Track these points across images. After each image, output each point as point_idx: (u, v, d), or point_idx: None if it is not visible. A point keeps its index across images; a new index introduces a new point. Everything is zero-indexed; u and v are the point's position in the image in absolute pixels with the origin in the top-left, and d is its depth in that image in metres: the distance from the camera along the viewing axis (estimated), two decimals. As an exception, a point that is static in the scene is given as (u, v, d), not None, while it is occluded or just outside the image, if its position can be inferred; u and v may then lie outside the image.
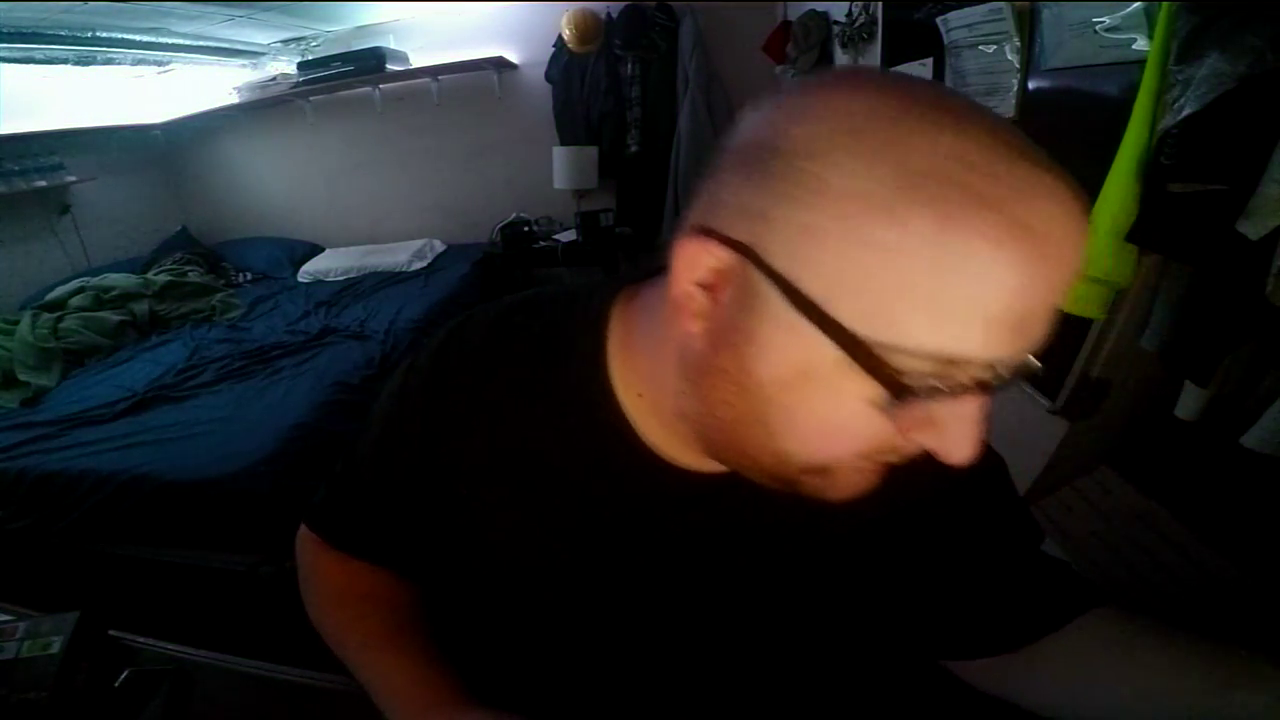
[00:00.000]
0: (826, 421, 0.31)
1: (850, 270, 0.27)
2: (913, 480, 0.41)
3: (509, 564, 0.47)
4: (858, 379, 0.28)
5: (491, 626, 0.52)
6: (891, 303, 0.27)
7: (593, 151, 2.87)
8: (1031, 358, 0.30)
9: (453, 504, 0.47)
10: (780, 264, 0.28)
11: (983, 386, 0.28)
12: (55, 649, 0.60)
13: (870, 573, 0.46)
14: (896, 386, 0.28)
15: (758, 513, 0.43)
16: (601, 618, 0.47)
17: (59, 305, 2.48)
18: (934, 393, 0.28)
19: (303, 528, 0.57)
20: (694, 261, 0.31)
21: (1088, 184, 0.93)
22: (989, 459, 0.47)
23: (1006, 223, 0.25)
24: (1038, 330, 0.28)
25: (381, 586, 0.54)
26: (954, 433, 0.30)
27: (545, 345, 0.46)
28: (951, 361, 0.27)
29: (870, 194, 0.26)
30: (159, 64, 2.74)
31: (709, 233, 0.30)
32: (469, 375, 0.47)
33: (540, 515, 0.45)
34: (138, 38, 2.27)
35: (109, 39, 2.19)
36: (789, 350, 0.29)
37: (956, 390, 0.28)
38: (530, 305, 0.48)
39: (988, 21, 1.16)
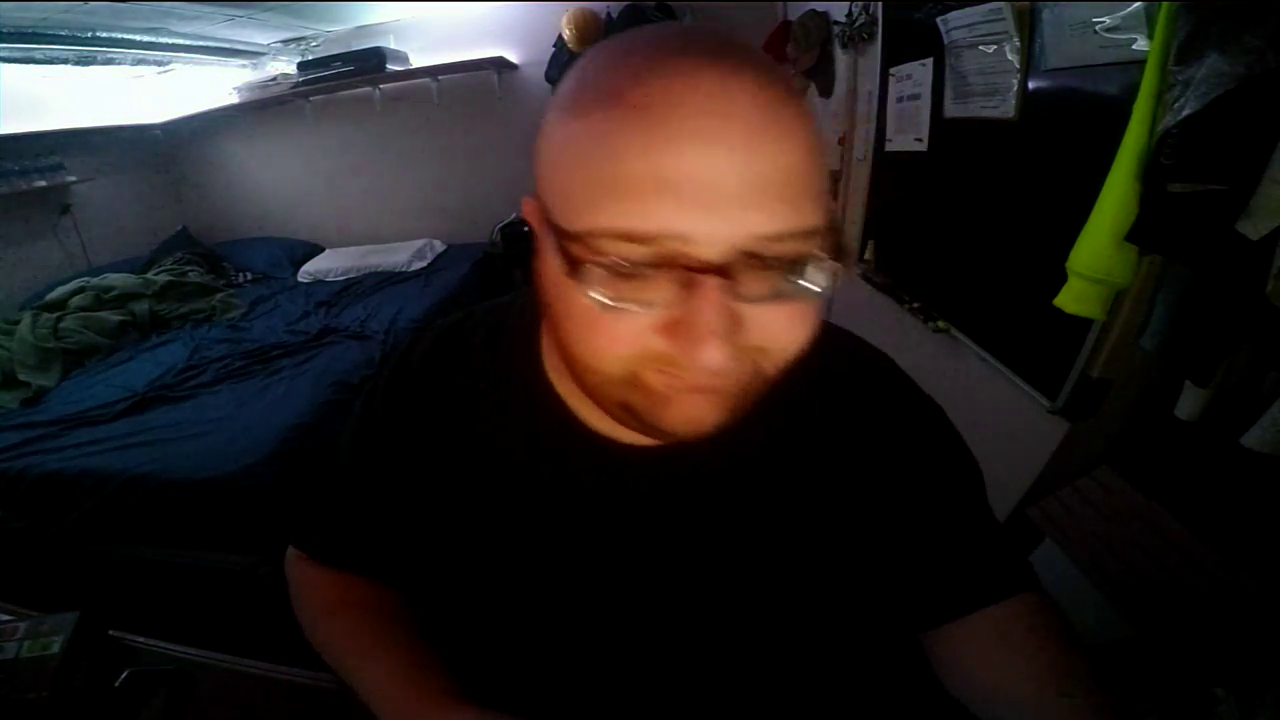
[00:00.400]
0: (580, 323, 0.33)
1: (550, 174, 0.33)
2: (846, 438, 0.44)
3: (474, 557, 0.49)
4: (574, 274, 0.31)
5: (472, 623, 0.52)
6: (575, 195, 0.31)
7: (593, 151, 2.87)
8: (766, 237, 0.30)
9: (422, 507, 0.50)
10: (541, 192, 0.34)
11: (672, 263, 0.30)
12: (55, 649, 0.60)
13: (813, 538, 0.46)
14: (586, 269, 0.31)
15: (697, 481, 0.45)
16: (566, 601, 0.48)
17: (59, 305, 2.48)
18: (630, 276, 0.30)
19: (290, 548, 0.60)
20: (528, 216, 0.36)
21: (1088, 184, 0.93)
22: (926, 413, 0.49)
23: (623, 107, 0.30)
24: (700, 192, 0.29)
25: (369, 596, 0.55)
26: (684, 330, 0.31)
27: (489, 345, 0.49)
28: (631, 237, 0.30)
29: (558, 108, 0.33)
30: (159, 64, 2.74)
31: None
32: (423, 383, 0.50)
33: (493, 505, 0.48)
34: (138, 38, 2.27)
35: (109, 39, 2.19)
36: (549, 262, 0.33)
37: (649, 266, 0.30)
38: (477, 314, 0.53)
39: (988, 21, 1.15)
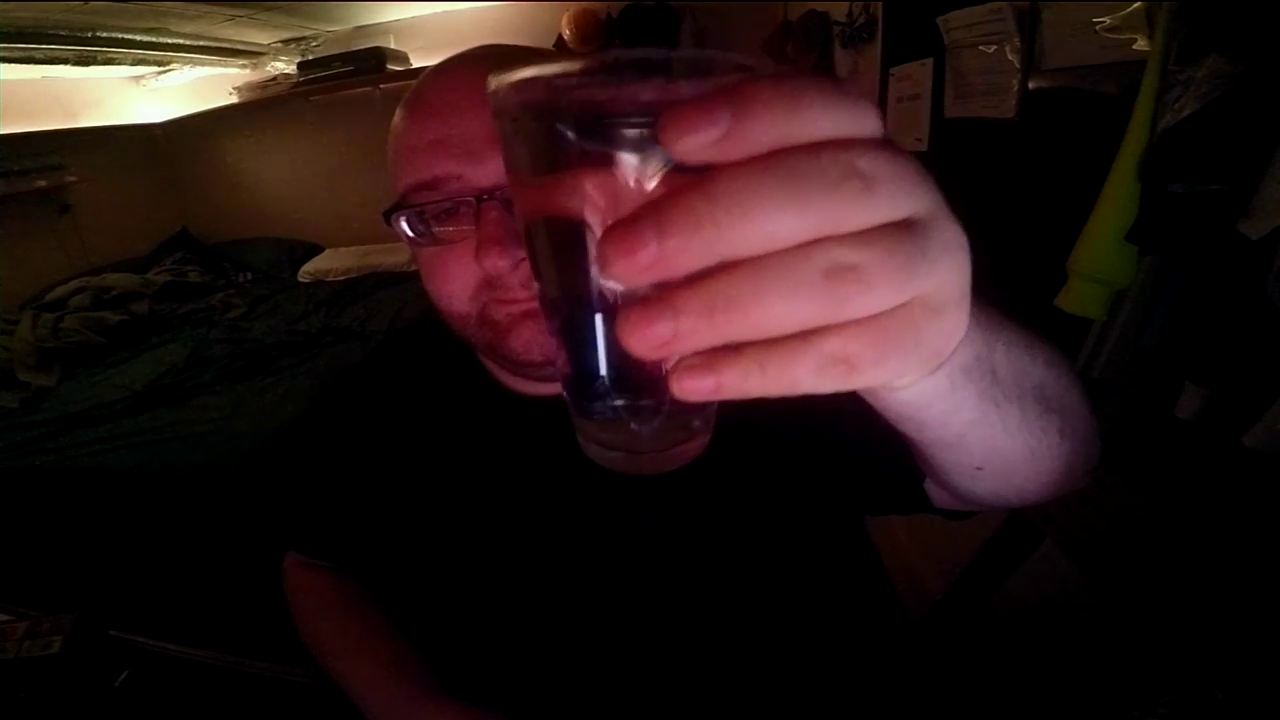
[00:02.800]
0: (429, 273, 0.45)
1: (389, 161, 0.45)
2: None
3: (430, 540, 0.51)
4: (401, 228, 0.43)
5: (440, 610, 0.53)
6: (395, 169, 0.44)
7: (593, 151, 2.88)
8: None
9: (383, 495, 0.53)
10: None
11: (459, 196, 0.40)
12: (55, 649, 0.60)
13: (763, 457, 0.47)
14: (407, 220, 0.42)
15: None
16: (508, 570, 0.49)
17: (59, 305, 2.47)
18: (440, 217, 0.42)
19: (285, 559, 0.61)
20: None
21: (1088, 184, 0.93)
22: None
23: (411, 100, 0.44)
24: (460, 142, 0.41)
25: (358, 596, 0.57)
26: (478, 246, 0.39)
27: (434, 335, 0.55)
28: (422, 185, 0.41)
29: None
30: (159, 64, 2.74)
31: None
32: (383, 372, 0.57)
33: (439, 484, 0.51)
34: (138, 38, 2.26)
35: (109, 39, 2.18)
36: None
37: (442, 208, 0.41)
38: (432, 312, 0.60)
39: (988, 21, 1.15)
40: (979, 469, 0.33)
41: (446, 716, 0.45)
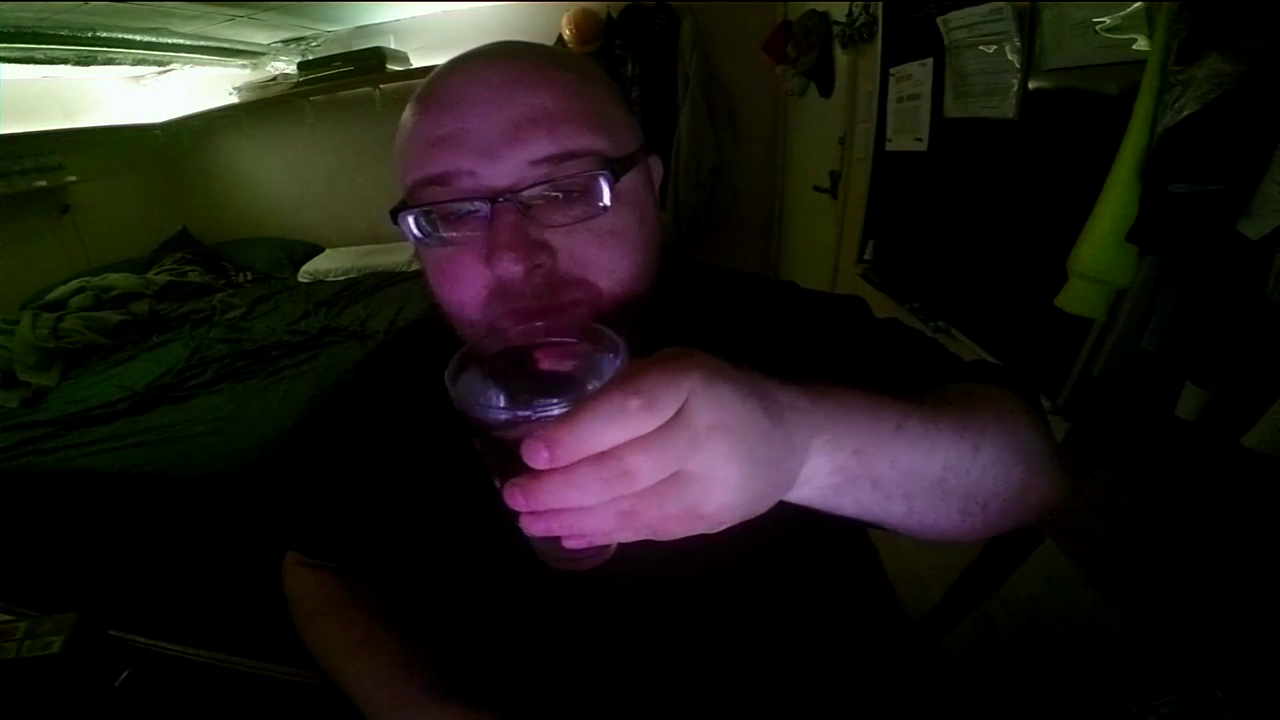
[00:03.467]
0: (436, 274, 0.42)
1: (399, 155, 0.43)
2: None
3: (429, 540, 0.51)
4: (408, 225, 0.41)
5: (440, 610, 0.53)
6: (403, 164, 0.42)
7: (593, 151, 2.87)
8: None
9: (384, 496, 0.53)
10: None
11: (470, 196, 0.39)
12: (55, 649, 0.60)
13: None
14: (414, 219, 0.40)
15: None
16: (506, 577, 0.48)
17: (59, 305, 2.47)
18: (450, 219, 0.40)
19: (285, 559, 0.61)
20: None
21: (1088, 184, 0.93)
22: (844, 301, 0.51)
23: (421, 97, 0.42)
24: (472, 137, 0.39)
25: (359, 596, 0.56)
26: (488, 250, 0.38)
27: (434, 336, 0.54)
28: (431, 180, 0.39)
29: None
30: (159, 64, 2.74)
31: None
32: (383, 371, 0.57)
33: (435, 485, 0.50)
34: (138, 38, 2.26)
35: (109, 39, 2.18)
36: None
37: (451, 208, 0.39)
38: (431, 313, 0.59)
39: (988, 21, 1.15)
40: (897, 529, 0.37)
41: (448, 717, 0.45)
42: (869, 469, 0.32)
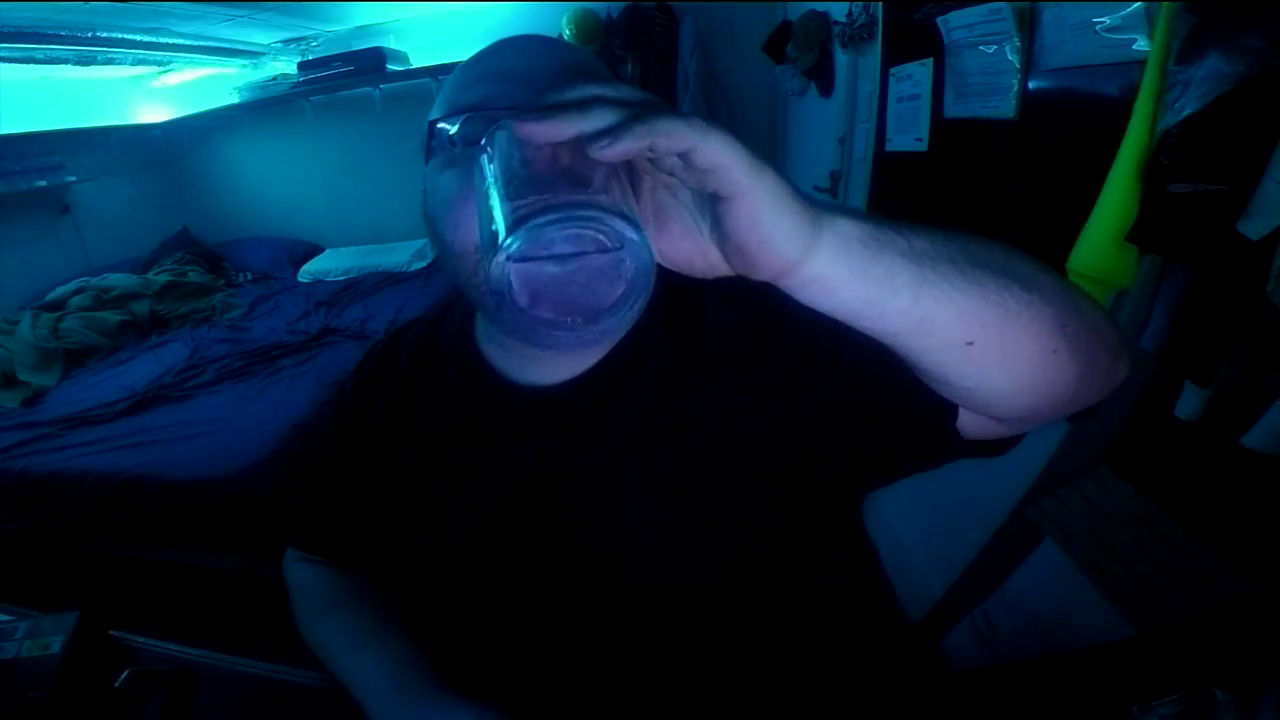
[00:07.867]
0: (443, 207, 0.43)
1: (438, 107, 0.46)
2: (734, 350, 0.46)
3: (434, 530, 0.51)
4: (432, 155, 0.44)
5: (444, 601, 0.53)
6: (443, 104, 0.44)
7: (593, 151, 2.87)
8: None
9: (389, 489, 0.53)
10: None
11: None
12: (55, 649, 0.60)
13: (743, 436, 0.45)
14: (440, 148, 0.43)
15: (620, 406, 0.46)
16: (513, 562, 0.48)
17: (59, 305, 2.47)
18: (457, 138, 0.41)
19: (287, 552, 0.61)
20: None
21: (1088, 184, 0.92)
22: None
23: (469, 60, 0.46)
24: (511, 73, 0.42)
25: (361, 593, 0.56)
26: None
27: (432, 333, 0.56)
28: (469, 107, 0.41)
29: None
30: (159, 64, 2.74)
31: None
32: (381, 368, 0.57)
33: (442, 475, 0.51)
34: (138, 38, 2.26)
35: (109, 39, 2.18)
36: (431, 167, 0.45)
37: (503, 108, 0.40)
38: (430, 313, 0.60)
39: (988, 21, 1.15)
40: (970, 344, 0.33)
41: (451, 712, 0.45)
42: (894, 236, 0.30)
